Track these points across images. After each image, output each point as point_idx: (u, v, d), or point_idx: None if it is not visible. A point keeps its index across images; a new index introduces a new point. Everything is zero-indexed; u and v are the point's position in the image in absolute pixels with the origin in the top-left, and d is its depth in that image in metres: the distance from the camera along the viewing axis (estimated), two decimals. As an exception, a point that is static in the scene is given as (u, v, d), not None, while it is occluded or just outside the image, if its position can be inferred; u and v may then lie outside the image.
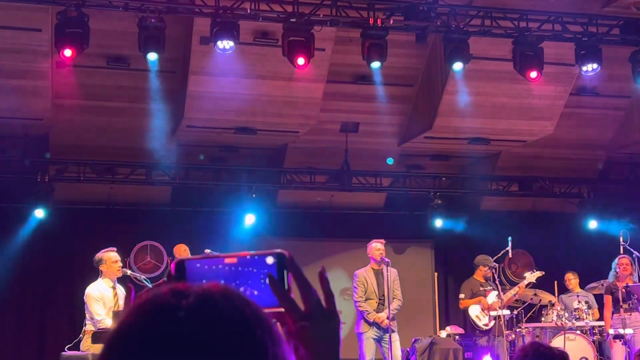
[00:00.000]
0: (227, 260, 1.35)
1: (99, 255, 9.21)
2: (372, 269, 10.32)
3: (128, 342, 1.08)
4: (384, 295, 10.11)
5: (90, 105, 11.71)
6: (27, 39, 10.36)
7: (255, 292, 1.33)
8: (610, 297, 10.72)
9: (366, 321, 10.12)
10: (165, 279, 1.38)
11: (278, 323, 1.18)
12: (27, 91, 10.95)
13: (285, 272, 1.34)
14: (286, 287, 1.34)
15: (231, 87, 11.25)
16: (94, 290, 9.09)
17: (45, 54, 10.55)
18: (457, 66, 10.59)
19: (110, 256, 9.15)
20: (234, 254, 1.37)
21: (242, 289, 1.33)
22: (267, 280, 1.32)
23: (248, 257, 1.35)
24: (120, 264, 9.17)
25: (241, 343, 1.07)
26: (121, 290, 9.42)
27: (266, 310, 1.28)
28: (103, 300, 9.02)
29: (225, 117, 11.86)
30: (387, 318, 9.96)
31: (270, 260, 1.35)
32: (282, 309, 1.32)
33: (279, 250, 1.35)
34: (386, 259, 10.16)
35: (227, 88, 11.25)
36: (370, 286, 10.18)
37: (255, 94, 11.48)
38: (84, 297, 9.08)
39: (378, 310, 10.11)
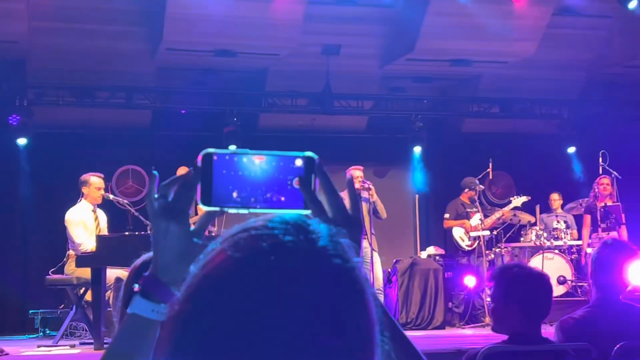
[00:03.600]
0: (255, 158, 1.33)
1: (85, 176, 9.20)
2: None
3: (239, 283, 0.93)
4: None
5: (68, 27, 11.49)
6: (0, -41, 10.12)
7: (283, 199, 1.32)
8: (589, 216, 10.86)
9: None
10: (191, 168, 1.35)
11: None
12: (2, 13, 10.73)
13: (313, 176, 1.32)
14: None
15: (211, 7, 11.06)
16: (74, 214, 9.11)
17: (19, -25, 10.32)
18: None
19: (95, 181, 9.16)
20: (262, 151, 1.33)
21: (269, 195, 1.31)
22: (298, 181, 1.31)
23: (276, 156, 1.33)
24: (103, 192, 9.18)
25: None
26: (102, 214, 9.45)
27: (291, 212, 1.27)
28: (84, 223, 9.05)
29: (205, 39, 11.70)
30: (370, 244, 10.03)
31: (299, 162, 1.32)
32: (308, 212, 1.32)
33: (308, 154, 1.33)
34: (367, 182, 10.19)
35: (206, 9, 11.07)
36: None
37: (235, 15, 11.30)
38: (65, 222, 9.11)
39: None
